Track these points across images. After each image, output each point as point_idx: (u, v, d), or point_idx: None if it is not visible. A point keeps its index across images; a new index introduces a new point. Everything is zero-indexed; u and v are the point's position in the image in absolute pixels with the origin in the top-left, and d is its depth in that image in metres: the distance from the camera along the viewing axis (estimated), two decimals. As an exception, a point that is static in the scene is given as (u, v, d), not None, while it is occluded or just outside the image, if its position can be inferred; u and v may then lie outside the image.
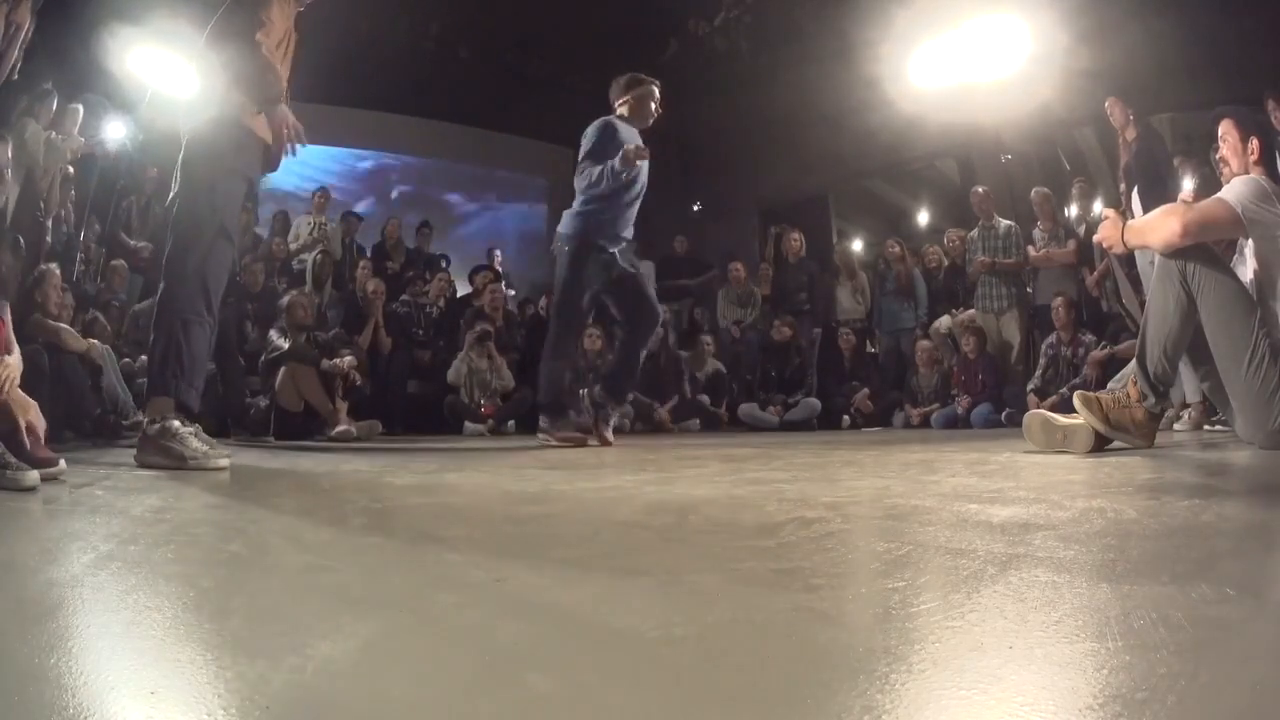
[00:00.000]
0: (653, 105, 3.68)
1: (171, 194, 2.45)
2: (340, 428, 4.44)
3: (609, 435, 3.54)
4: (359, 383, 4.77)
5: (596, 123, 3.58)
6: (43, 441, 1.87)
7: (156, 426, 2.16)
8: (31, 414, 1.84)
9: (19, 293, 3.67)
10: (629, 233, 3.58)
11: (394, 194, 8.97)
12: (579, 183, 3.52)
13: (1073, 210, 5.83)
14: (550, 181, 8.71)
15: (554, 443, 3.35)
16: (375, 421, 4.77)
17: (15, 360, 1.94)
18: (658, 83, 3.68)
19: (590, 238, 3.44)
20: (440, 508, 1.47)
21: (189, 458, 2.11)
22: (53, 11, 4.65)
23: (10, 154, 4.17)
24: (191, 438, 2.17)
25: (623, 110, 3.66)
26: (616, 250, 3.49)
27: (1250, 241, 2.27)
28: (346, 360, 4.79)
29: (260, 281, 5.48)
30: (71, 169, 5.19)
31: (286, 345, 4.65)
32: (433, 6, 7.90)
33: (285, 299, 4.91)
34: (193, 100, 2.53)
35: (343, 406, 4.66)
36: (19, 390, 1.89)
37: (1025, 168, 6.61)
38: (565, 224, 3.54)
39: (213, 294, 2.34)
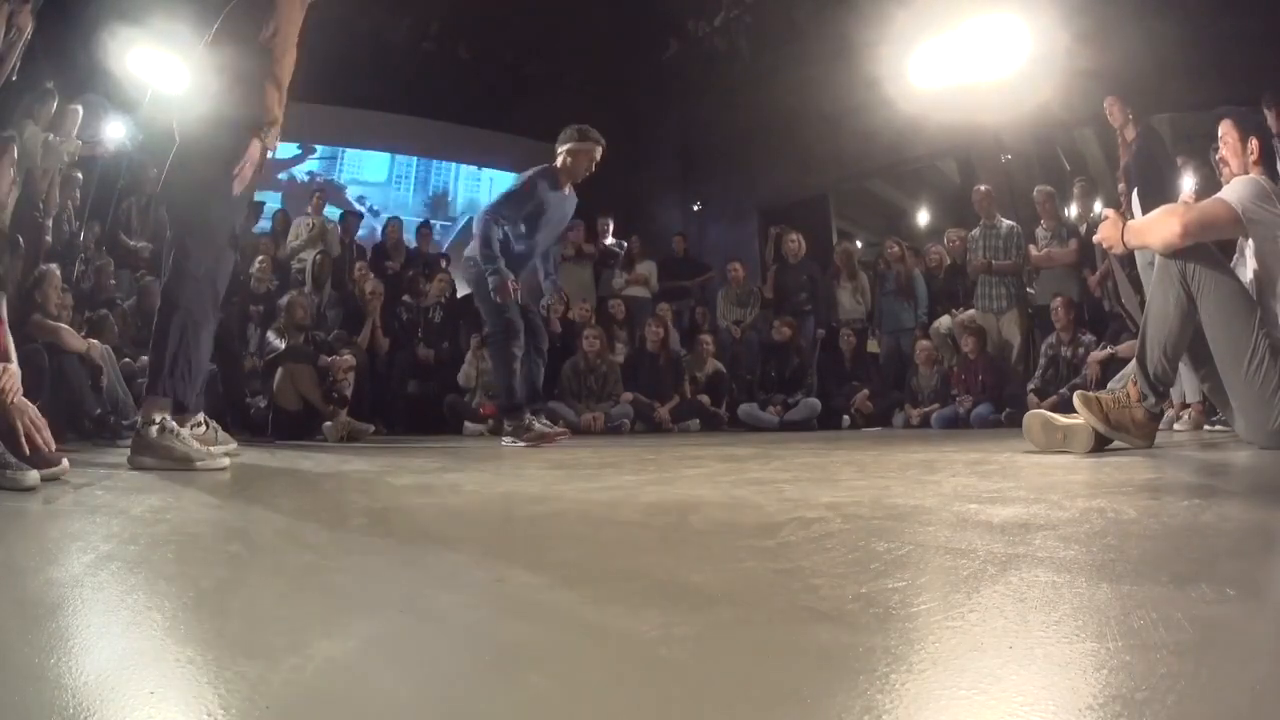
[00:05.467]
0: (588, 164, 3.78)
1: (160, 189, 2.43)
2: (325, 424, 4.46)
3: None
4: (340, 381, 4.73)
5: (530, 173, 3.75)
6: (52, 444, 1.87)
7: (155, 427, 2.13)
8: (29, 415, 1.84)
9: (19, 293, 3.67)
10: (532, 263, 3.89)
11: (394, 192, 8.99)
12: (490, 219, 3.67)
13: (1073, 210, 5.84)
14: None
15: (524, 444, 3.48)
16: (368, 425, 4.75)
17: (15, 369, 1.94)
18: (603, 144, 3.79)
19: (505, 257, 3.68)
20: (440, 508, 1.47)
21: (194, 458, 2.10)
22: (53, 12, 4.65)
23: (15, 156, 4.17)
24: (190, 438, 2.17)
25: (562, 159, 3.76)
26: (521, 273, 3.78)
27: (1250, 241, 2.27)
28: (345, 360, 4.79)
29: (266, 284, 5.50)
30: (80, 175, 5.19)
31: (283, 345, 4.66)
32: (433, 6, 7.90)
33: (285, 299, 4.91)
34: (190, 97, 2.50)
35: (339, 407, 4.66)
36: (22, 397, 1.89)
37: (1025, 167, 6.60)
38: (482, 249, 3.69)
39: (219, 297, 2.37)
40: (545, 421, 3.75)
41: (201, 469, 2.09)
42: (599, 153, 3.76)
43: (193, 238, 2.30)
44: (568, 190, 3.81)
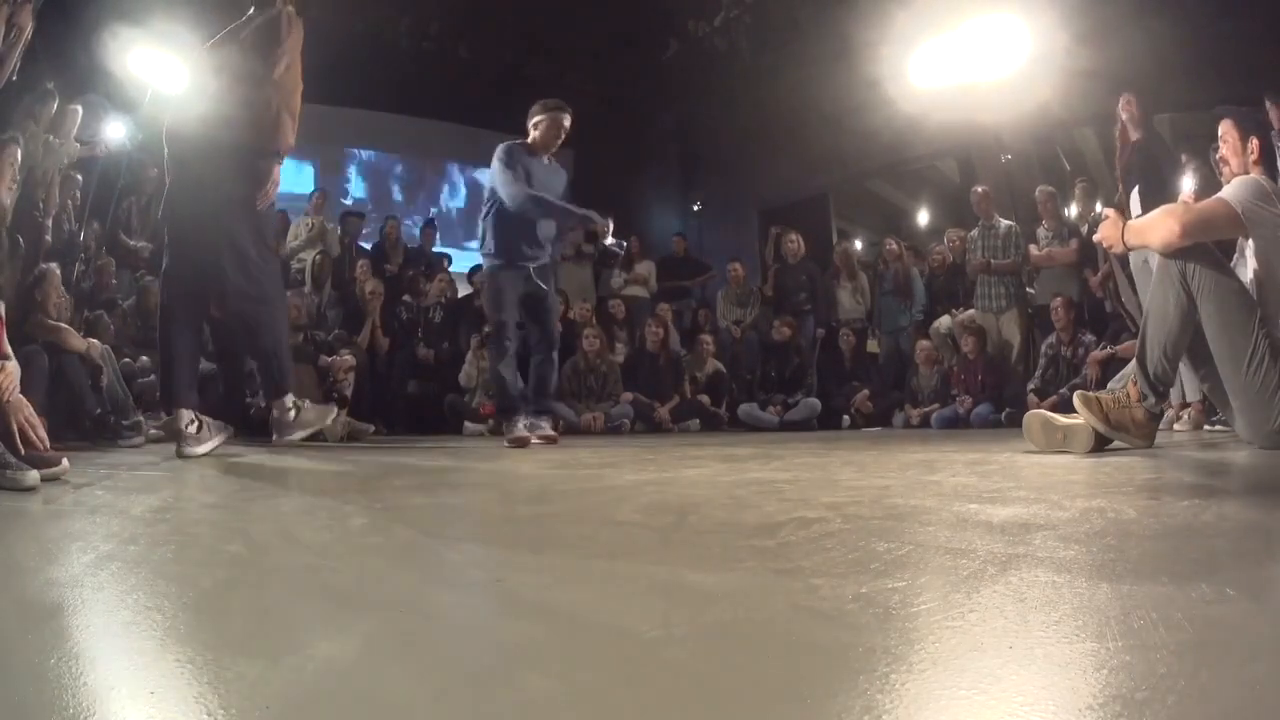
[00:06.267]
0: (557, 131, 3.77)
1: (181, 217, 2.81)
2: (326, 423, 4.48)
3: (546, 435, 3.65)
4: (340, 381, 4.73)
5: (500, 147, 3.73)
6: (46, 442, 1.88)
7: (293, 410, 2.97)
8: (24, 413, 1.85)
9: (19, 293, 3.67)
10: (543, 251, 3.77)
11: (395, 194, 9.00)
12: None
13: (1073, 210, 5.83)
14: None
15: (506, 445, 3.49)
16: (368, 425, 4.76)
17: (13, 367, 1.95)
18: (569, 111, 3.78)
19: (506, 255, 3.69)
20: (440, 508, 1.47)
21: (326, 417, 3.14)
22: (53, 13, 4.64)
23: (18, 156, 4.16)
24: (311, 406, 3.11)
25: (532, 134, 3.76)
26: (531, 266, 3.69)
27: (1250, 241, 2.27)
28: (345, 360, 4.79)
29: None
30: (79, 175, 5.19)
31: (283, 346, 4.66)
32: (433, 6, 7.90)
33: None
34: (200, 120, 2.75)
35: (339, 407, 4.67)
36: (18, 394, 1.91)
37: (1025, 167, 6.60)
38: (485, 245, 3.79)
39: None
40: (541, 424, 3.71)
41: (328, 426, 3.26)
42: (567, 120, 3.76)
43: (273, 279, 2.95)
44: (548, 160, 3.78)
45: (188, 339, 2.85)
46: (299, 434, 2.99)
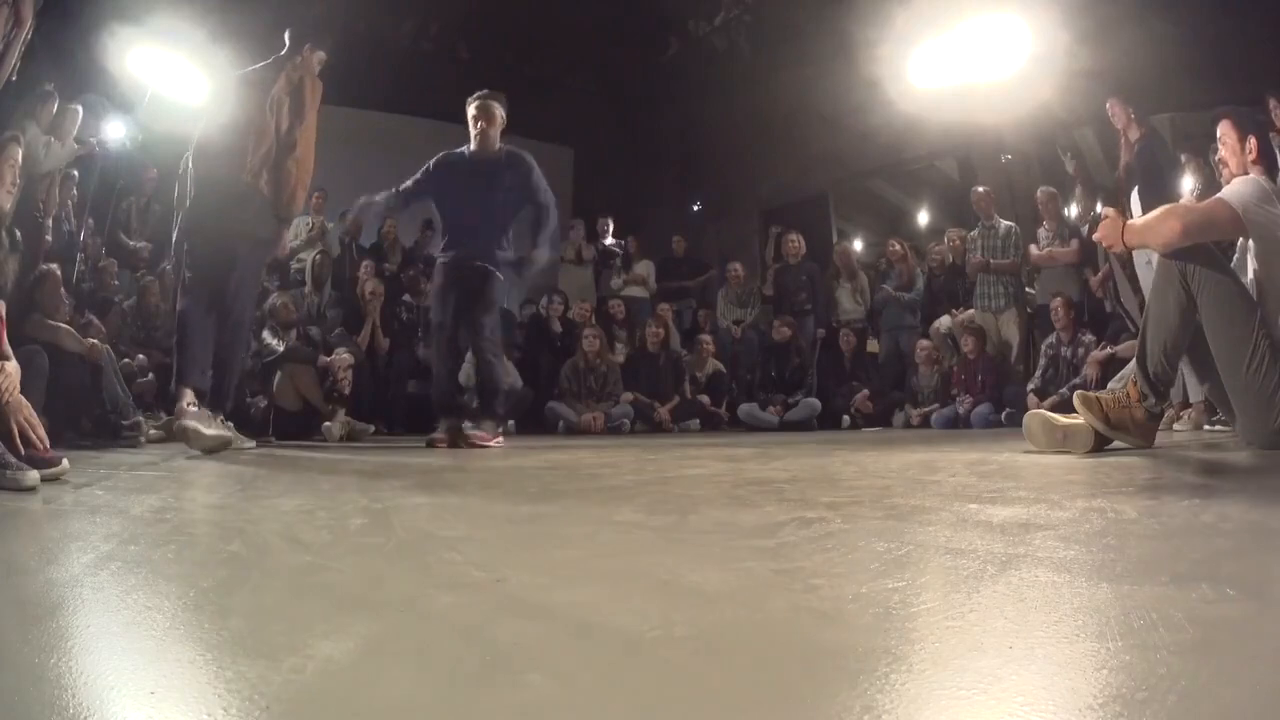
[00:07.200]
0: (472, 122, 3.85)
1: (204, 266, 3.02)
2: (325, 424, 4.48)
3: (483, 437, 3.57)
4: (341, 380, 4.75)
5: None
6: (46, 442, 1.88)
7: (196, 407, 2.85)
8: (24, 413, 1.85)
9: (19, 293, 3.67)
10: (485, 248, 3.71)
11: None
12: None
13: (1073, 210, 5.84)
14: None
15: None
16: (368, 425, 4.80)
17: (12, 367, 1.96)
18: (478, 100, 3.89)
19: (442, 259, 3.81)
20: (440, 508, 1.47)
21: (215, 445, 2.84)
22: (53, 11, 4.64)
23: (19, 156, 4.16)
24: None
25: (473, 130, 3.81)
26: (468, 265, 3.68)
27: (1251, 241, 2.27)
28: (344, 359, 4.80)
29: (264, 284, 5.52)
30: (76, 173, 5.20)
31: (282, 348, 4.66)
32: (433, 6, 7.90)
33: (268, 302, 4.91)
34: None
35: (339, 407, 4.68)
36: (18, 394, 1.91)
37: (1025, 168, 6.60)
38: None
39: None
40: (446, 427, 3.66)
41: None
42: (471, 110, 3.88)
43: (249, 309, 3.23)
44: (486, 152, 3.80)
45: (203, 324, 2.97)
46: (194, 437, 2.67)
